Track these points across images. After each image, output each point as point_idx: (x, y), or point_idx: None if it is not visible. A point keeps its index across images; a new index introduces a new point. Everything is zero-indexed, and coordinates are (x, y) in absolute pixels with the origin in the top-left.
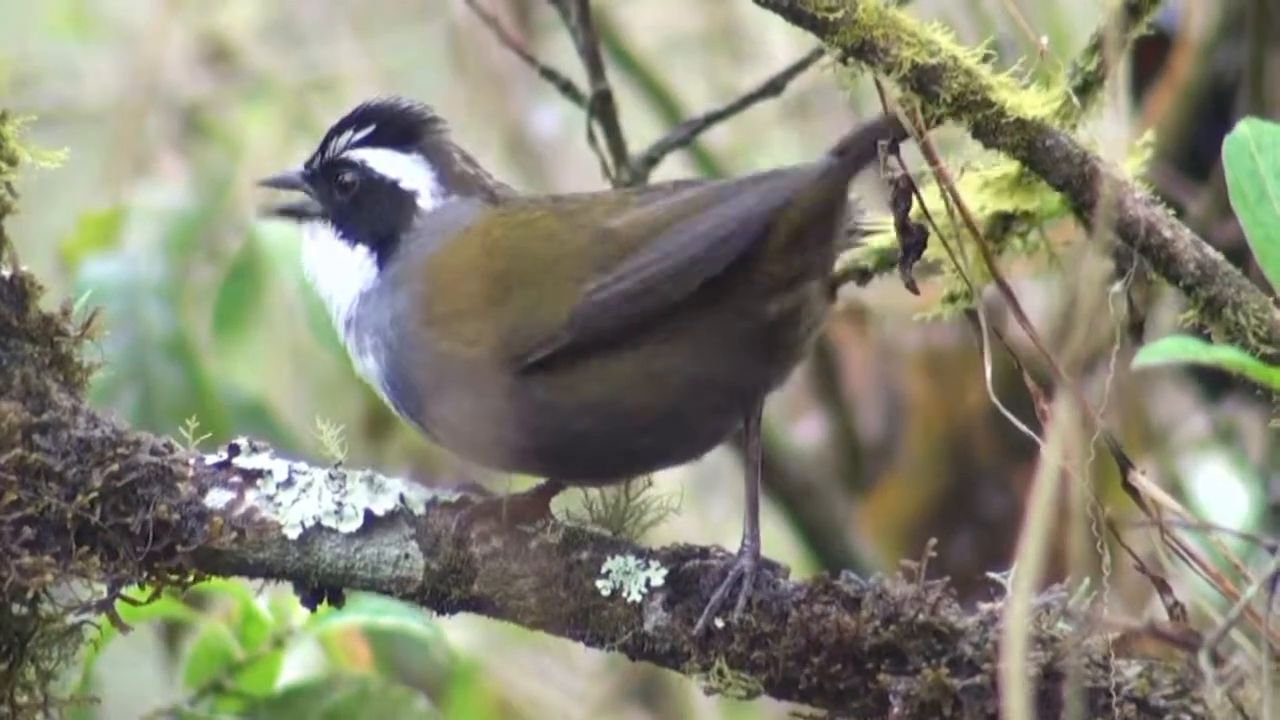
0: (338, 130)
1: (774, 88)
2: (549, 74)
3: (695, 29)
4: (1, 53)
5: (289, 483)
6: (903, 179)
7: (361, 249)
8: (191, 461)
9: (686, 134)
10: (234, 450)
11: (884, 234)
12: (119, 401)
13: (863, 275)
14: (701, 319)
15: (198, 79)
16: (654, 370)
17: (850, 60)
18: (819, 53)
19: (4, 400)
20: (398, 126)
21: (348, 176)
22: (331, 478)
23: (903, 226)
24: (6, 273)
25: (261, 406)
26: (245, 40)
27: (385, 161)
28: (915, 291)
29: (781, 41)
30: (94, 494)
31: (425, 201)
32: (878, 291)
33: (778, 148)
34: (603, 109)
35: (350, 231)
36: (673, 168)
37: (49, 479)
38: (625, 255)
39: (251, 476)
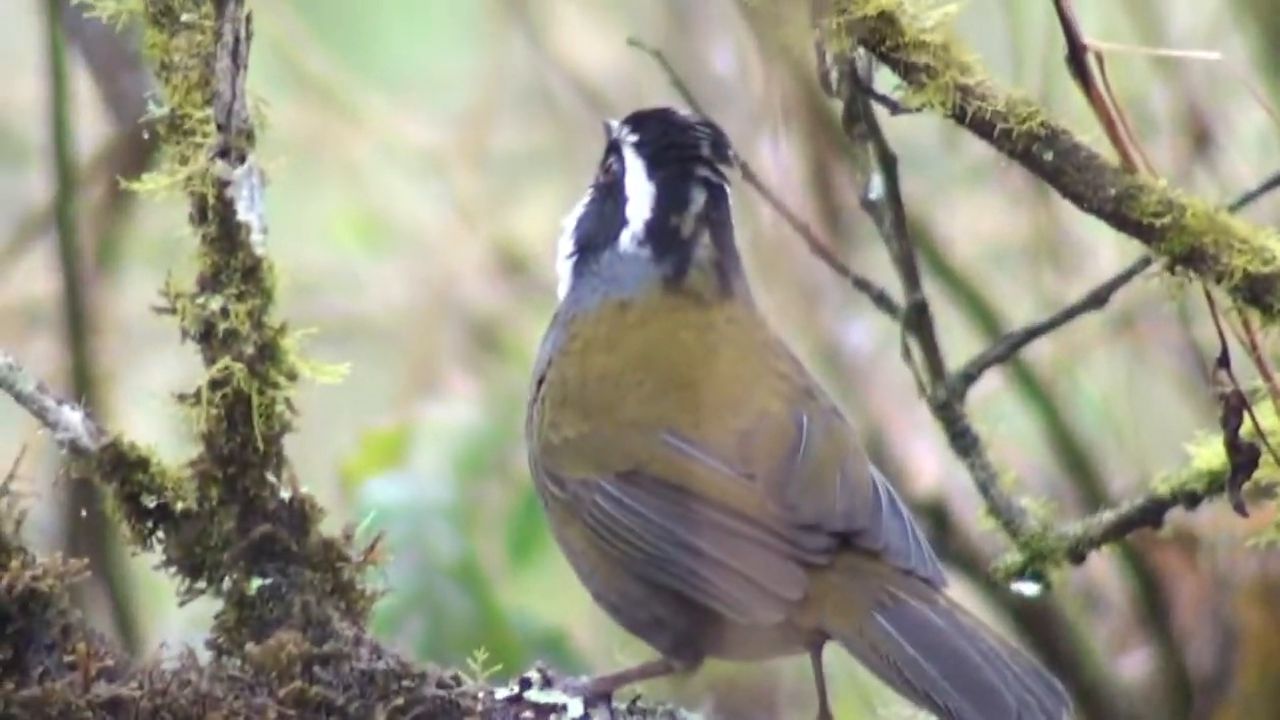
0: (633, 119)
1: (1098, 299)
2: (862, 284)
3: (1017, 238)
4: (280, 260)
5: (585, 718)
6: (1234, 395)
7: (571, 241)
8: (481, 695)
9: (1005, 349)
10: (526, 684)
11: (1213, 455)
12: (405, 630)
13: (1191, 499)
14: None
15: (490, 291)
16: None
17: (1178, 269)
18: (1145, 261)
19: (283, 630)
20: (673, 148)
21: (609, 161)
22: (630, 713)
23: (1233, 445)
24: (286, 495)
25: (558, 637)
26: (540, 251)
27: (633, 169)
28: (1244, 514)
29: (1108, 250)
30: None
31: (624, 239)
32: (1208, 517)
33: (1101, 364)
34: (918, 321)
35: (583, 217)
36: (991, 384)
37: (330, 713)
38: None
39: (545, 711)
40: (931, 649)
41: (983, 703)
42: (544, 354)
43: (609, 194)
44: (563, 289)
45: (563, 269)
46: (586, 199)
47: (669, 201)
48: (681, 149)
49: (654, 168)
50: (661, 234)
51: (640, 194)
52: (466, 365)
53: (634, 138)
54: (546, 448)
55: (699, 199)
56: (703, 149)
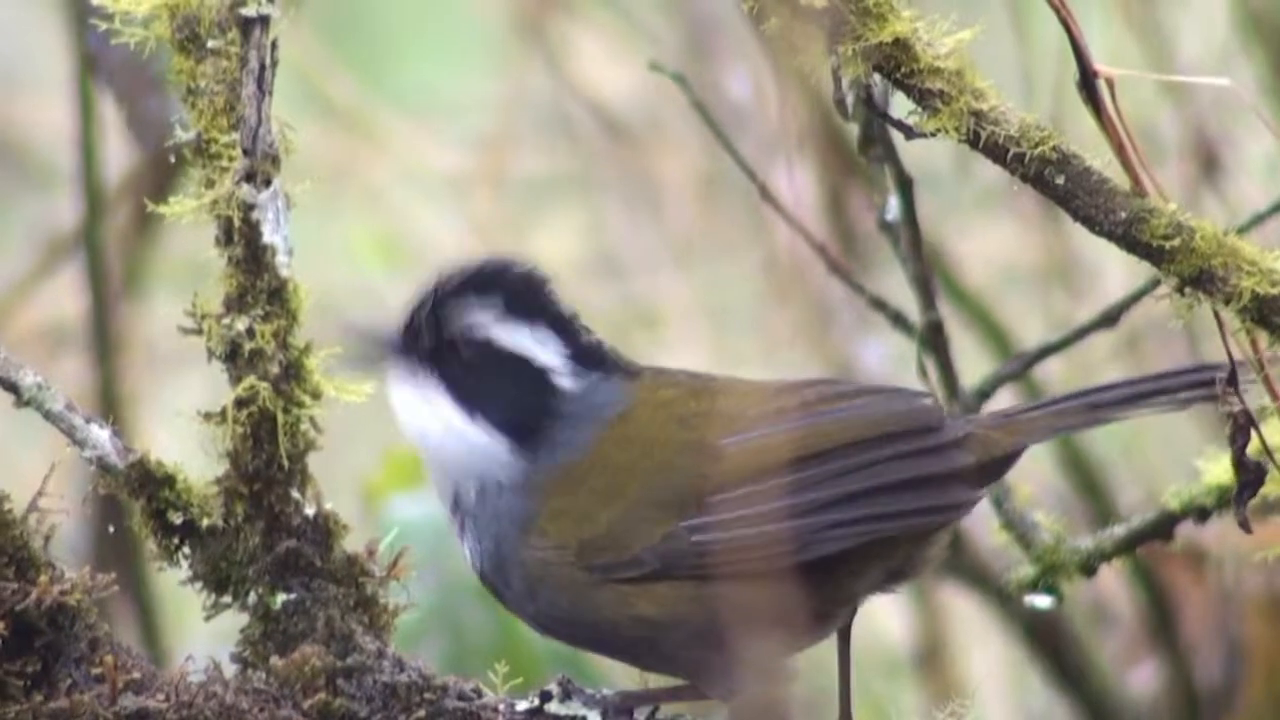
0: (447, 299)
1: (1108, 320)
2: (878, 303)
3: (1029, 259)
4: (305, 281)
5: None
6: (1241, 414)
7: (495, 434)
8: (501, 707)
9: (1019, 367)
10: (546, 696)
11: (1222, 471)
12: (426, 644)
13: (1200, 514)
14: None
15: None
16: (706, 596)
17: (1187, 290)
18: (1155, 283)
19: (307, 644)
20: (521, 295)
21: (467, 352)
22: None
23: (1239, 463)
24: (310, 511)
25: (577, 651)
26: (560, 270)
27: (512, 336)
28: (1248, 530)
29: (1117, 272)
30: None
31: (563, 381)
32: (1216, 532)
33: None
34: (934, 340)
35: (473, 407)
36: (1004, 402)
37: None
38: (728, 487)
39: None
40: None
41: None
42: (527, 506)
43: (488, 372)
44: (502, 480)
45: (492, 464)
46: (447, 397)
47: (566, 326)
48: (517, 288)
49: (521, 314)
50: (591, 352)
51: (533, 342)
52: None
53: (483, 311)
54: (588, 546)
55: (570, 307)
56: (532, 277)
